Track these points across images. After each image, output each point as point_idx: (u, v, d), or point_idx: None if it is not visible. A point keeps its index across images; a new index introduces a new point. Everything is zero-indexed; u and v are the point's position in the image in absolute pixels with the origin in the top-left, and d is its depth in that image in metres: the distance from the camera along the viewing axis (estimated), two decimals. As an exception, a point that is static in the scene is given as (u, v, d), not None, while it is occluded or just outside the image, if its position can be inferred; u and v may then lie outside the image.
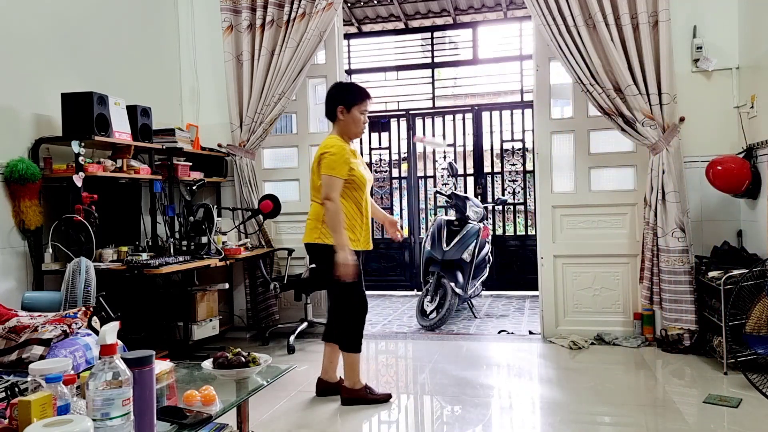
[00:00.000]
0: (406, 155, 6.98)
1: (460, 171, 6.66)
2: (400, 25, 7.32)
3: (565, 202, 4.32)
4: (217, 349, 3.55)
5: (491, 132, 6.73)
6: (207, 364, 2.09)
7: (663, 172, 3.84)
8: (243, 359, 2.06)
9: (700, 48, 4.00)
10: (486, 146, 6.78)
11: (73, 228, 3.28)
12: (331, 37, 4.59)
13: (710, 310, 3.61)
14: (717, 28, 4.02)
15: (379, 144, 7.03)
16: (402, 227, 6.42)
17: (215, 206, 4.42)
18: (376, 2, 6.91)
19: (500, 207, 6.65)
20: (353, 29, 7.33)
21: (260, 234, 4.63)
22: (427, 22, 7.26)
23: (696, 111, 4.02)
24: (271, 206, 4.33)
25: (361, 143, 7.10)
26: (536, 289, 4.56)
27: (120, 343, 1.85)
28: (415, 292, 6.70)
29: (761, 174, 3.68)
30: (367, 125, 3.11)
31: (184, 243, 4.04)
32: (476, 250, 5.19)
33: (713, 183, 3.79)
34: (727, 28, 4.02)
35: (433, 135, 6.83)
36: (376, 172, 7.12)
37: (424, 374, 3.61)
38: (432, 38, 7.30)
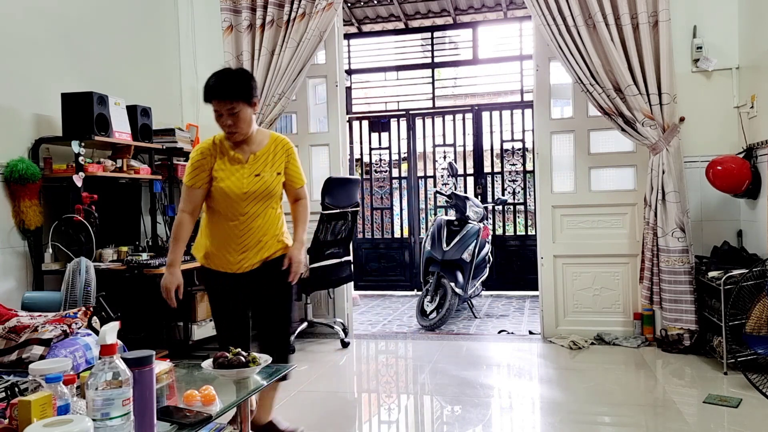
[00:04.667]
0: (406, 155, 6.98)
1: (460, 171, 6.66)
2: (400, 25, 7.32)
3: (565, 202, 4.32)
4: (217, 349, 3.55)
5: (491, 132, 6.73)
6: (207, 364, 2.09)
7: (663, 172, 3.84)
8: (243, 359, 2.06)
9: (700, 48, 4.00)
10: (486, 146, 6.78)
11: (73, 228, 3.28)
12: (331, 37, 4.58)
13: (710, 310, 3.61)
14: (717, 28, 4.02)
15: (379, 144, 7.02)
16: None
17: (215, 206, 4.41)
18: (376, 2, 6.91)
19: (500, 207, 6.64)
20: (353, 29, 7.32)
21: (260, 234, 4.60)
22: (427, 22, 7.26)
23: (696, 111, 4.01)
24: (271, 206, 4.31)
25: (361, 143, 7.10)
26: (536, 289, 4.56)
27: (120, 343, 1.85)
28: (415, 292, 6.69)
29: (761, 174, 3.68)
30: (233, 124, 2.49)
31: (184, 243, 4.03)
32: (476, 250, 5.19)
33: (713, 183, 3.79)
34: (727, 28, 4.02)
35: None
36: (376, 172, 7.11)
37: (424, 374, 3.60)
38: (432, 38, 7.30)
